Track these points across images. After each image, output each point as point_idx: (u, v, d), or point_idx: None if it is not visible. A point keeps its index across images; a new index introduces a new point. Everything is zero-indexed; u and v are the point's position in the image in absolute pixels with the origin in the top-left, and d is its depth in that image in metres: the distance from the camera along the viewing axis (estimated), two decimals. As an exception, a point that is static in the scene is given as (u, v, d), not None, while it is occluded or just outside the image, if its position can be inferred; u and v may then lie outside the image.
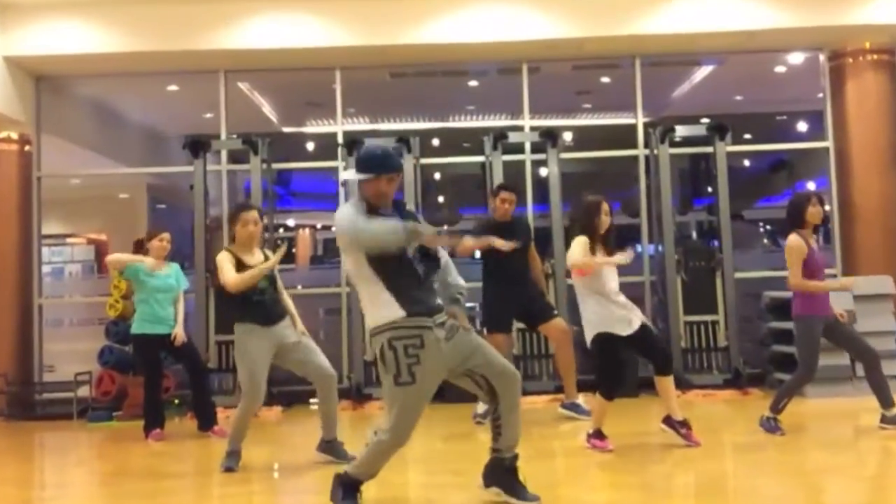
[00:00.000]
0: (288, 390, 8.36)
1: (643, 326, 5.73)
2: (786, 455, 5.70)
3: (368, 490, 4.38)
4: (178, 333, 7.15)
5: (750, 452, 5.77)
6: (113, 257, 7.43)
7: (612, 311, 5.66)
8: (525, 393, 8.16)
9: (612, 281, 5.72)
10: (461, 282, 4.39)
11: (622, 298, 5.74)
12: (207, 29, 8.96)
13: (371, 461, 4.22)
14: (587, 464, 5.63)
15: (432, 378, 4.13)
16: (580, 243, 5.72)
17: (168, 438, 7.09)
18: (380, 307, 4.10)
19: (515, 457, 4.30)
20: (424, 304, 4.10)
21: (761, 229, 16.07)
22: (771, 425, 6.11)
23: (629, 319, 5.67)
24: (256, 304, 5.62)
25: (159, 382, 7.35)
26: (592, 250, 5.70)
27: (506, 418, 4.25)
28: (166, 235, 7.27)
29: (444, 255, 4.36)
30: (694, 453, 5.62)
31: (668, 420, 5.84)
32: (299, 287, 10.22)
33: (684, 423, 5.78)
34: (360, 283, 4.19)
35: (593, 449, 5.77)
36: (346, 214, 4.11)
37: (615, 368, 5.84)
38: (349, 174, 4.33)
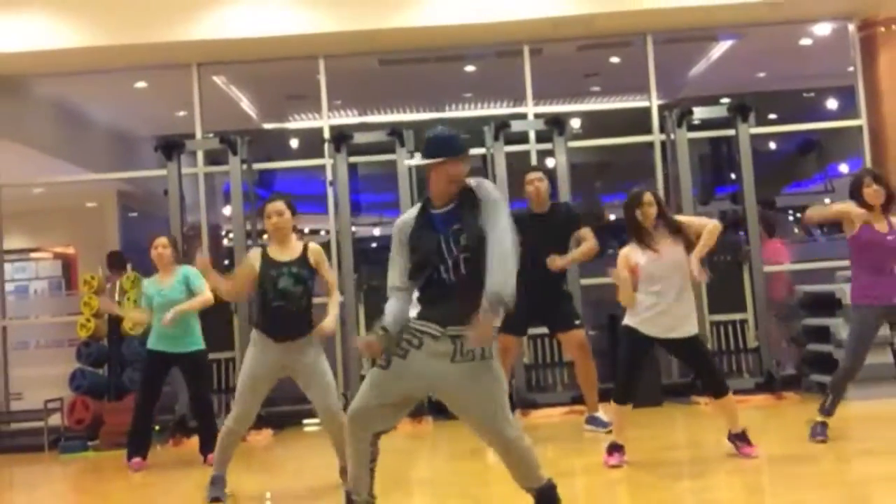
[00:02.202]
0: (278, 411, 8.31)
1: (688, 340, 5.67)
2: (828, 465, 5.68)
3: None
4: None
5: (787, 464, 5.73)
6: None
7: (647, 309, 5.63)
8: (538, 406, 8.30)
9: (658, 283, 5.62)
10: (497, 288, 4.16)
11: (672, 303, 5.61)
12: (177, 19, 8.94)
13: (343, 458, 4.18)
14: (610, 481, 5.60)
15: (406, 378, 4.05)
16: (620, 257, 5.74)
17: (150, 468, 7.06)
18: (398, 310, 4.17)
19: (549, 486, 4.16)
20: (439, 312, 4.05)
21: (790, 218, 16.02)
22: (818, 430, 6.08)
23: (666, 324, 5.62)
24: (274, 312, 5.46)
25: (152, 405, 7.25)
26: (643, 245, 5.67)
27: (508, 467, 4.15)
28: (161, 241, 7.12)
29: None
30: (725, 467, 5.60)
31: (729, 436, 5.83)
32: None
33: (739, 436, 5.77)
34: None
35: (607, 466, 5.74)
36: (393, 235, 4.26)
37: (630, 366, 5.79)
38: (415, 160, 4.34)
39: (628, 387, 5.78)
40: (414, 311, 4.11)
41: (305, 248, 5.60)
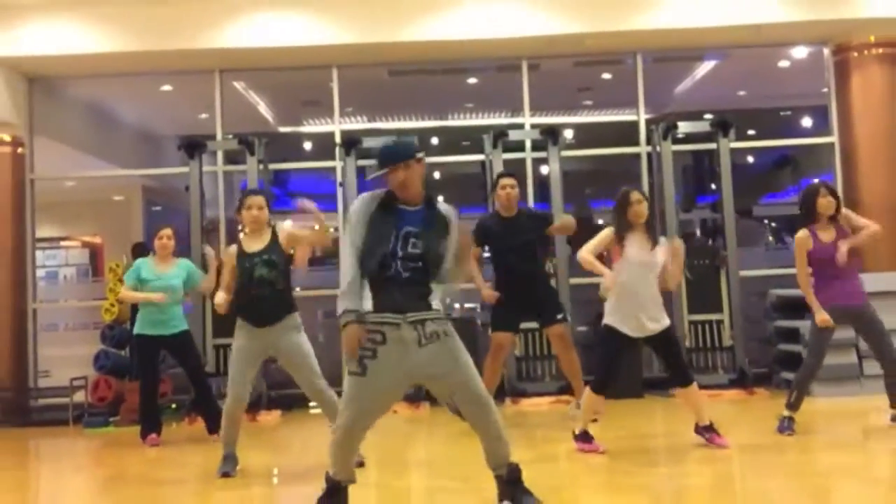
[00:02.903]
0: (287, 394, 8.33)
1: (664, 335, 5.68)
2: (794, 456, 5.69)
3: (369, 496, 4.35)
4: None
5: (757, 453, 5.74)
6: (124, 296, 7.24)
7: (625, 308, 5.62)
8: (527, 395, 8.32)
9: (638, 280, 5.60)
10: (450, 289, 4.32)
11: (648, 300, 5.62)
12: (202, 28, 8.95)
13: (332, 456, 4.18)
14: (590, 467, 5.60)
15: (387, 376, 4.01)
16: (599, 235, 5.70)
17: (165, 444, 7.07)
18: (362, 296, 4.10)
19: (514, 469, 4.23)
20: (395, 301, 4.02)
21: (766, 226, 16.04)
22: (785, 424, 6.08)
23: (642, 322, 5.62)
24: (254, 300, 5.50)
25: (154, 386, 7.31)
26: (621, 242, 5.65)
27: (483, 441, 4.18)
28: (166, 232, 7.14)
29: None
30: (700, 455, 5.61)
31: (697, 428, 5.82)
32: (297, 289, 10.17)
33: (709, 428, 5.75)
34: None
35: (581, 453, 5.73)
36: (352, 214, 4.14)
37: (610, 363, 5.78)
38: (373, 173, 4.32)
39: (607, 380, 5.76)
40: (367, 304, 4.05)
41: (274, 233, 5.66)
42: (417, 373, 4.09)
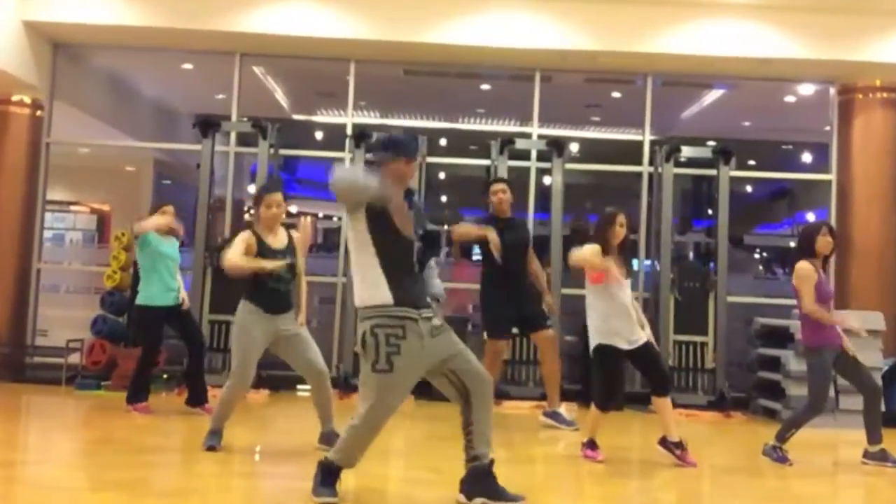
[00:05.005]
0: (276, 374, 8.31)
1: (647, 344, 5.69)
2: (764, 481, 5.68)
3: (347, 479, 4.36)
4: (185, 298, 7.22)
5: (729, 475, 5.75)
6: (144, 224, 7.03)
7: (616, 324, 5.63)
8: (510, 398, 8.32)
9: (623, 293, 5.67)
10: (440, 288, 4.42)
11: (633, 312, 5.70)
12: (227, 10, 8.94)
13: (346, 448, 4.22)
14: (565, 472, 5.61)
15: (410, 371, 4.11)
16: (593, 248, 5.69)
17: (153, 413, 7.06)
18: (370, 286, 4.11)
19: (492, 462, 4.26)
20: (413, 295, 4.11)
21: (756, 255, 16.05)
22: (777, 454, 5.97)
23: (634, 335, 5.64)
24: (269, 292, 5.52)
25: (156, 358, 7.34)
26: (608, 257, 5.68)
27: (477, 417, 4.21)
28: (169, 208, 7.16)
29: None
30: (672, 472, 5.60)
31: (663, 441, 5.76)
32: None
33: (680, 444, 5.70)
34: (356, 252, 4.19)
35: (585, 458, 5.74)
36: (344, 166, 4.18)
37: (613, 381, 5.83)
38: (371, 155, 4.35)
39: (610, 397, 5.79)
40: (384, 296, 4.07)
41: (290, 237, 5.71)
42: (432, 363, 4.18)
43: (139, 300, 7.15)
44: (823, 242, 5.97)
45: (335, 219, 11.00)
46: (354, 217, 4.14)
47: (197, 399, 7.14)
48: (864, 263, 9.05)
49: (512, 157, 9.09)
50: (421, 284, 4.19)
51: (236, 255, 5.41)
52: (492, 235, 6.61)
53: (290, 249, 5.66)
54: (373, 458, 4.32)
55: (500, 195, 7.12)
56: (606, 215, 5.78)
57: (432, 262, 4.47)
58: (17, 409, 7.86)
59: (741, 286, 9.93)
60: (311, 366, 5.62)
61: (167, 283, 7.06)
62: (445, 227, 7.46)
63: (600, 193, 12.22)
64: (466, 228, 6.91)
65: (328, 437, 5.58)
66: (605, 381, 5.83)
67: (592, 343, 5.74)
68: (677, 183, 9.32)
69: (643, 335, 5.69)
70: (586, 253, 5.63)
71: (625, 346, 5.63)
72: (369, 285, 4.11)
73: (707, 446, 7.02)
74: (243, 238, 5.55)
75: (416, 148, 4.29)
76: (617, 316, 5.64)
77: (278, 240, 5.66)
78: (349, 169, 4.11)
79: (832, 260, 6.25)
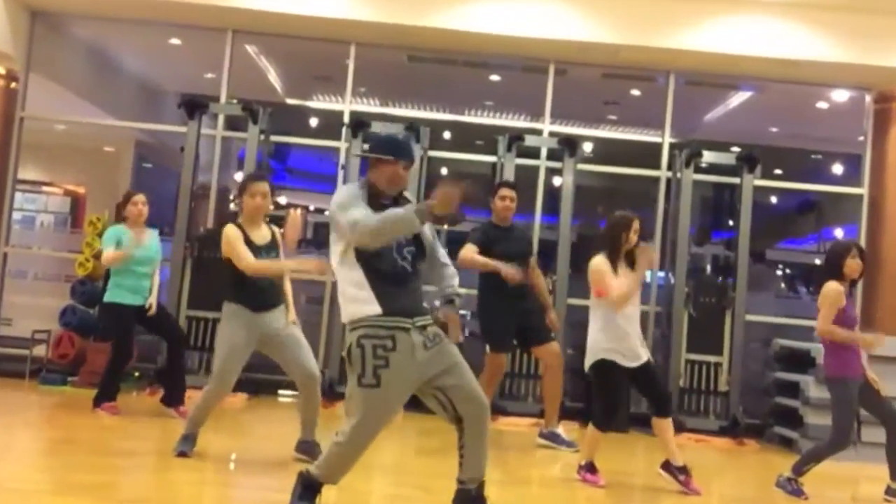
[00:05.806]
0: (256, 378, 8.31)
1: (647, 362, 5.72)
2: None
3: (328, 494, 4.36)
4: (153, 304, 7.14)
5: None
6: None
7: (620, 340, 5.65)
8: (507, 414, 8.31)
9: (632, 307, 5.70)
10: (457, 284, 4.37)
11: (636, 328, 5.72)
12: (221, -17, 8.93)
13: (330, 465, 4.20)
14: (562, 497, 5.61)
15: (400, 385, 4.06)
16: (602, 265, 5.70)
17: (122, 413, 7.05)
18: (356, 301, 4.09)
19: (481, 485, 4.23)
20: (404, 304, 4.08)
21: (779, 272, 16.08)
22: (793, 487, 5.93)
23: (636, 352, 5.66)
24: (253, 288, 5.51)
25: (128, 356, 7.35)
26: (614, 269, 5.70)
27: (470, 446, 4.16)
28: (141, 198, 7.18)
29: (441, 252, 4.38)
30: (676, 499, 5.61)
31: (666, 466, 5.77)
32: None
33: (684, 469, 5.70)
34: (341, 268, 4.18)
35: (584, 483, 5.74)
36: (344, 199, 4.13)
37: (613, 399, 5.84)
38: (367, 147, 4.35)
39: (610, 417, 5.79)
40: (371, 308, 4.06)
41: (274, 233, 5.72)
42: (424, 377, 4.12)
43: (107, 297, 7.16)
44: (853, 265, 5.93)
45: (326, 212, 10.99)
46: (337, 235, 4.18)
47: (173, 398, 7.13)
48: (894, 285, 9.04)
49: (520, 155, 9.08)
50: (414, 292, 4.16)
51: (250, 257, 5.43)
52: (505, 270, 6.57)
53: (273, 246, 5.66)
54: (357, 473, 4.32)
55: (508, 203, 7.16)
56: (621, 218, 5.78)
57: (445, 257, 4.41)
58: (-24, 402, 7.86)
59: (761, 304, 9.94)
60: (303, 369, 5.60)
61: (136, 284, 7.07)
62: (445, 227, 7.46)
63: (613, 198, 12.22)
64: (472, 257, 6.89)
65: (307, 447, 5.59)
66: (605, 399, 5.83)
67: (590, 359, 5.74)
68: (697, 190, 9.30)
69: (644, 354, 5.71)
70: (611, 284, 5.63)
71: (626, 363, 5.64)
72: (356, 301, 4.09)
73: (716, 474, 7.03)
74: (236, 235, 5.53)
75: (411, 151, 4.32)
76: (624, 330, 5.65)
77: (261, 235, 5.65)
78: (365, 213, 4.07)
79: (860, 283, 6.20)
